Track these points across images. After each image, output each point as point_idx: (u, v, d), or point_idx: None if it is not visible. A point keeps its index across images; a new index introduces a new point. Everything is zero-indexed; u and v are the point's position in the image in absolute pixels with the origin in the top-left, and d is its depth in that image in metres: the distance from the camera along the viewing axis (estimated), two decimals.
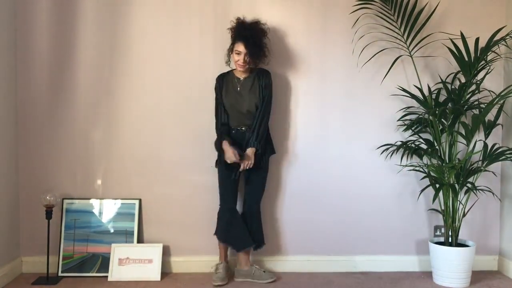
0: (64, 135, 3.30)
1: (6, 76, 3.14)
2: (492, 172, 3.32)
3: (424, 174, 3.25)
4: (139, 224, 3.31)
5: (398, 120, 3.35)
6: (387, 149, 3.33)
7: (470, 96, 3.19)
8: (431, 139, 3.25)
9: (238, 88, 3.11)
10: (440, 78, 3.33)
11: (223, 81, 3.15)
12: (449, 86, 3.28)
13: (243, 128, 3.11)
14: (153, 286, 3.07)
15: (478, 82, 3.18)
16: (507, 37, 3.05)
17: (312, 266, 3.37)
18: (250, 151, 3.06)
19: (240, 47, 3.01)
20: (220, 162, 3.10)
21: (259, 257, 3.33)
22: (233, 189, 3.15)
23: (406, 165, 3.32)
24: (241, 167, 3.03)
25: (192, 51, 3.31)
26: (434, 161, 3.22)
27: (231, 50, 3.10)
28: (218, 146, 3.07)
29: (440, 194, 3.13)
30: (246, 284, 3.11)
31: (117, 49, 3.29)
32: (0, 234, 3.05)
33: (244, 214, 3.18)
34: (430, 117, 3.09)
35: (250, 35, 3.00)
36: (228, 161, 3.01)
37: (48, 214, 3.10)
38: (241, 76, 3.14)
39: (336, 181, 3.37)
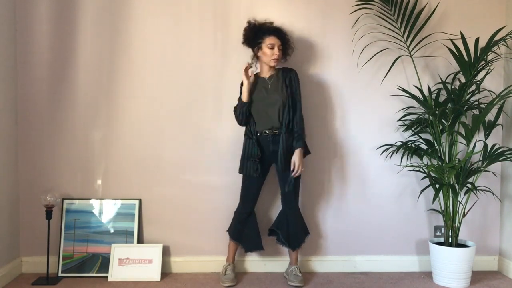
0: (64, 135, 3.30)
1: (6, 76, 3.14)
2: (492, 172, 3.32)
3: (424, 174, 3.25)
4: (139, 224, 3.31)
5: (398, 120, 3.35)
6: (387, 149, 3.33)
7: (470, 96, 3.19)
8: (431, 139, 3.25)
9: (269, 86, 3.05)
10: (440, 78, 3.33)
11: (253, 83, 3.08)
12: (449, 86, 3.28)
13: (267, 132, 3.04)
14: (153, 286, 3.07)
15: (478, 82, 3.18)
16: (507, 37, 3.05)
17: (312, 266, 3.37)
18: (297, 154, 2.98)
19: (273, 40, 3.00)
20: (248, 159, 3.06)
21: (260, 257, 3.33)
22: (255, 194, 3.14)
23: (406, 165, 3.32)
24: (293, 174, 3.00)
25: (192, 51, 3.31)
26: (434, 161, 3.21)
27: (259, 48, 3.05)
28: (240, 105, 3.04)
29: (440, 194, 3.14)
30: (252, 284, 3.11)
31: (117, 49, 3.29)
32: (0, 234, 3.06)
33: (285, 213, 3.12)
34: (430, 117, 3.09)
35: (277, 28, 3.06)
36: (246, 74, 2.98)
37: (48, 214, 3.10)
38: (266, 75, 3.10)
39: (335, 181, 3.37)
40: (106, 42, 3.29)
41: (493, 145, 3.14)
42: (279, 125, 3.02)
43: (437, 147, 3.19)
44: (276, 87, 3.06)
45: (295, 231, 3.12)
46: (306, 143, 3.11)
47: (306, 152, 3.13)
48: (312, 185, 3.37)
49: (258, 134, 3.06)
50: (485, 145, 3.13)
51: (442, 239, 3.27)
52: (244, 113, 3.04)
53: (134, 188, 3.33)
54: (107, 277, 3.17)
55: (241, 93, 3.07)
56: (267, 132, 3.04)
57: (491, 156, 3.10)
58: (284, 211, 3.15)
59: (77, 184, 3.31)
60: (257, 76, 3.13)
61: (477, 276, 3.24)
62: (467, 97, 3.16)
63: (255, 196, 3.15)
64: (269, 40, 3.00)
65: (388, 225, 3.39)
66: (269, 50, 3.00)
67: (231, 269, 3.14)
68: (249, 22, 3.09)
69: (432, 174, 3.20)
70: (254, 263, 3.35)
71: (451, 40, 3.13)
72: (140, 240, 3.31)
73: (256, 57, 3.13)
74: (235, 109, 3.10)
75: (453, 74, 3.30)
